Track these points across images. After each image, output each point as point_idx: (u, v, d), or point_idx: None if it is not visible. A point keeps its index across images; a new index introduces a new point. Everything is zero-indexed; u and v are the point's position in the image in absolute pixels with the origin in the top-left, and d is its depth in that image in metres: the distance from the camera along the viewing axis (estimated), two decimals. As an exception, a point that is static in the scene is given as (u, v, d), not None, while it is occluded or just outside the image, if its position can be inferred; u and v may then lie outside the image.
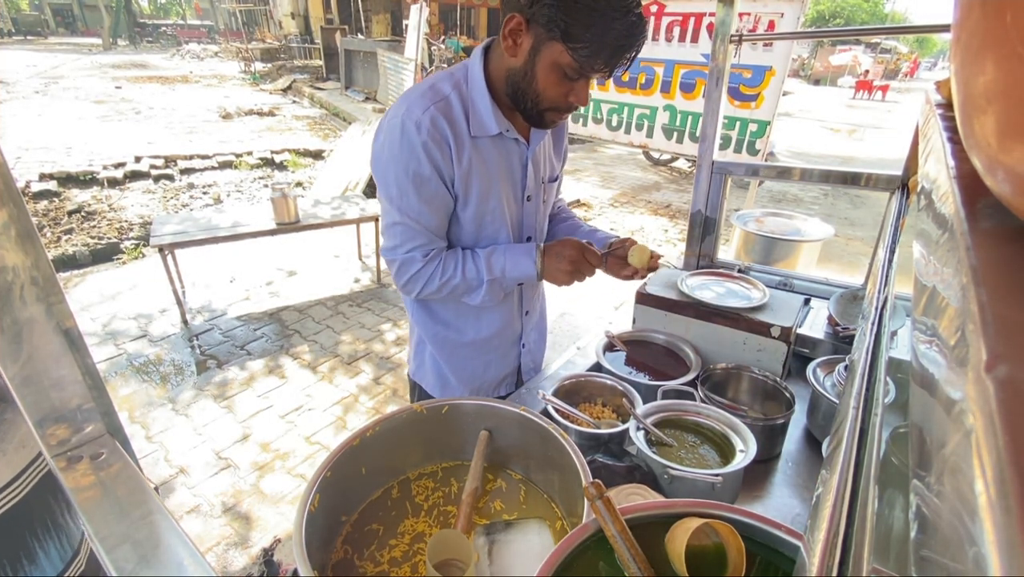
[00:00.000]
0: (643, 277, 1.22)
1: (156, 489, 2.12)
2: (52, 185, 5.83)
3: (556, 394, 1.21)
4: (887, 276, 0.83)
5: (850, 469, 0.45)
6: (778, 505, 1.06)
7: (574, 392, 1.26)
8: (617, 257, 1.20)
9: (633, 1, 0.89)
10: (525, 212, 1.20)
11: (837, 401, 1.14)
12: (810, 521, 0.48)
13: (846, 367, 1.22)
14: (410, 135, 0.99)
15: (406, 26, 9.28)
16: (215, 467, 2.48)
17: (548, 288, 1.42)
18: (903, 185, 1.45)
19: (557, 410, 1.14)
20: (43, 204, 5.46)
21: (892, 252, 0.92)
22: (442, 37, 13.96)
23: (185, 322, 3.66)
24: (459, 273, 1.12)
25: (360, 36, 14.23)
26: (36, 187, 5.70)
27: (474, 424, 1.03)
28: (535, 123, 1.06)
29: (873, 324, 0.68)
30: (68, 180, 6.14)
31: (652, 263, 1.17)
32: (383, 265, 4.40)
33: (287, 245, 4.85)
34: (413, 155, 1.00)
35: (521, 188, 1.16)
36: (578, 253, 1.13)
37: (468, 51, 14.09)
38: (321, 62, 15.05)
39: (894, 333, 0.87)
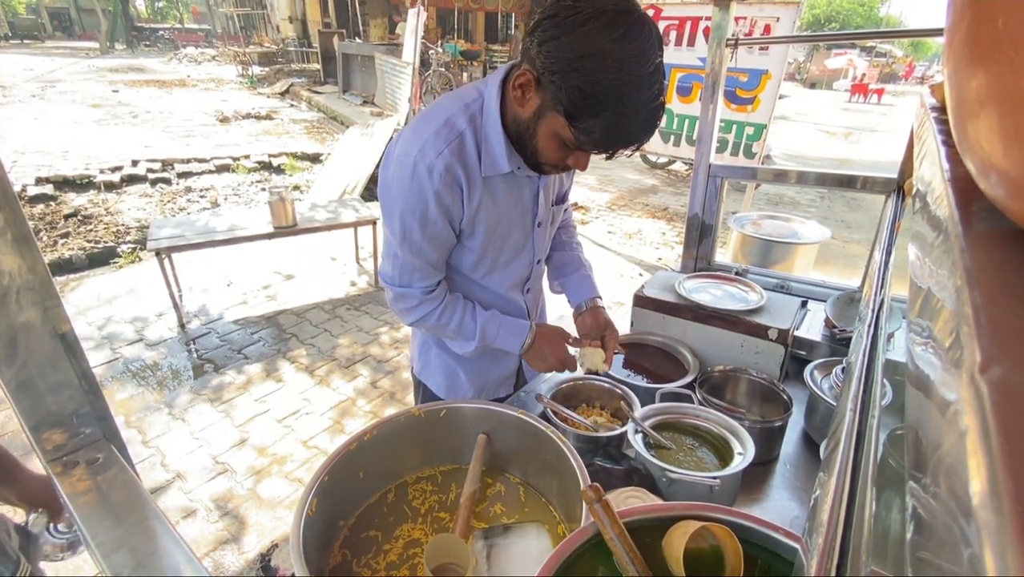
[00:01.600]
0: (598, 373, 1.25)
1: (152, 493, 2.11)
2: (49, 189, 5.81)
3: (554, 397, 1.21)
4: (883, 278, 0.83)
5: (848, 471, 0.46)
6: (776, 507, 1.06)
7: (572, 395, 1.26)
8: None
9: (650, 96, 0.82)
10: (535, 237, 1.19)
11: (835, 403, 1.14)
12: (808, 523, 0.48)
13: (843, 369, 1.22)
14: (421, 179, 0.96)
15: (402, 29, 9.32)
16: (212, 472, 2.47)
17: (546, 290, 1.42)
18: (899, 188, 1.46)
19: (555, 413, 1.14)
20: (39, 208, 5.44)
21: (888, 255, 0.92)
22: (440, 41, 13.99)
23: (182, 326, 3.65)
24: (455, 323, 1.14)
25: (358, 40, 14.25)
26: (32, 191, 5.68)
27: (472, 428, 1.03)
28: (534, 170, 1.04)
29: (870, 326, 0.68)
30: (65, 184, 6.12)
31: (605, 367, 1.21)
32: (381, 268, 4.40)
33: (284, 249, 4.84)
34: (421, 198, 0.98)
35: (532, 217, 1.15)
36: (561, 359, 1.19)
37: (466, 55, 14.13)
38: (319, 66, 15.07)
39: (891, 335, 0.88)
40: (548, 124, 0.90)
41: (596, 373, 1.22)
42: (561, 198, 1.24)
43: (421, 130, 0.98)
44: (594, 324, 1.26)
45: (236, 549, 2.10)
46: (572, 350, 1.22)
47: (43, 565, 1.00)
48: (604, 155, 0.91)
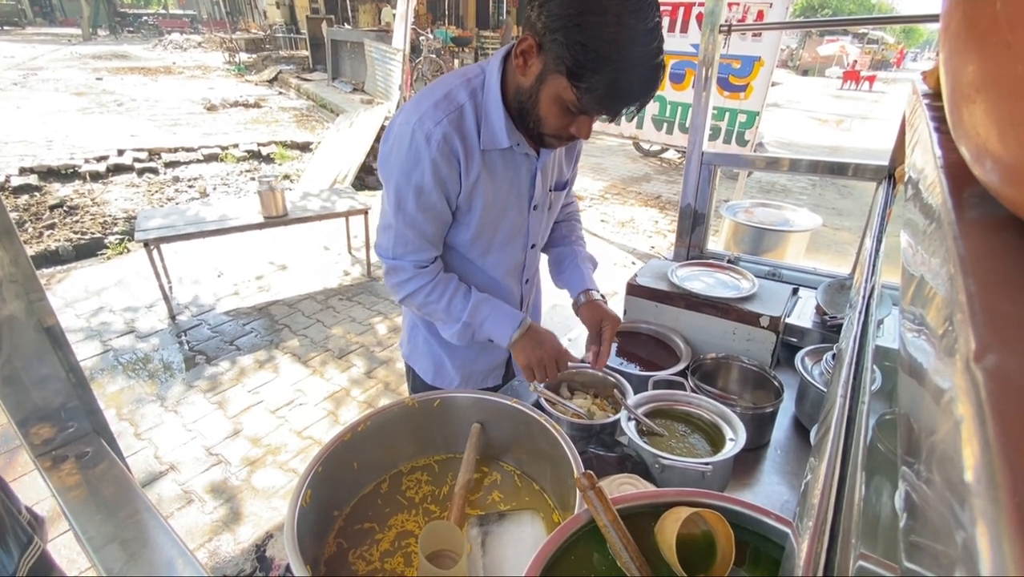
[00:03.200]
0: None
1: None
2: (33, 179, 5.70)
3: (548, 386, 1.22)
4: (874, 265, 0.84)
5: (838, 456, 0.46)
6: (767, 492, 1.08)
7: (566, 383, 1.27)
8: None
9: (650, 52, 0.83)
10: (531, 220, 1.18)
11: (825, 389, 1.16)
12: (799, 508, 0.48)
13: (834, 356, 1.24)
14: (418, 146, 0.97)
15: (393, 15, 9.17)
16: (206, 463, 2.46)
17: (543, 280, 1.41)
18: (890, 175, 1.47)
19: (549, 402, 1.14)
20: (24, 199, 5.34)
21: (879, 242, 0.93)
22: (430, 27, 13.79)
23: (172, 318, 3.61)
24: (444, 301, 1.11)
25: (347, 26, 14.02)
26: (16, 181, 5.56)
27: (466, 417, 1.03)
28: (536, 143, 1.04)
29: (860, 313, 0.69)
30: (49, 174, 6.00)
31: (598, 365, 1.19)
32: (374, 258, 4.37)
33: (275, 239, 4.80)
34: (418, 166, 0.98)
35: (528, 199, 1.14)
36: (552, 360, 1.12)
37: (457, 41, 13.94)
38: (307, 52, 14.82)
39: (880, 321, 0.88)
40: (550, 88, 0.90)
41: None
42: (560, 185, 1.23)
43: (422, 102, 0.99)
44: (590, 317, 1.24)
45: (231, 540, 2.10)
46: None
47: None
48: (607, 117, 0.91)
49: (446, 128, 0.96)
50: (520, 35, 0.92)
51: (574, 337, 1.57)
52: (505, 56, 0.99)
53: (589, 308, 1.25)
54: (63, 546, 2.00)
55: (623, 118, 0.95)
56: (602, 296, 1.28)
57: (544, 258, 1.38)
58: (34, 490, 2.18)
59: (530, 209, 1.16)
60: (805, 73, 29.61)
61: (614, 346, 1.42)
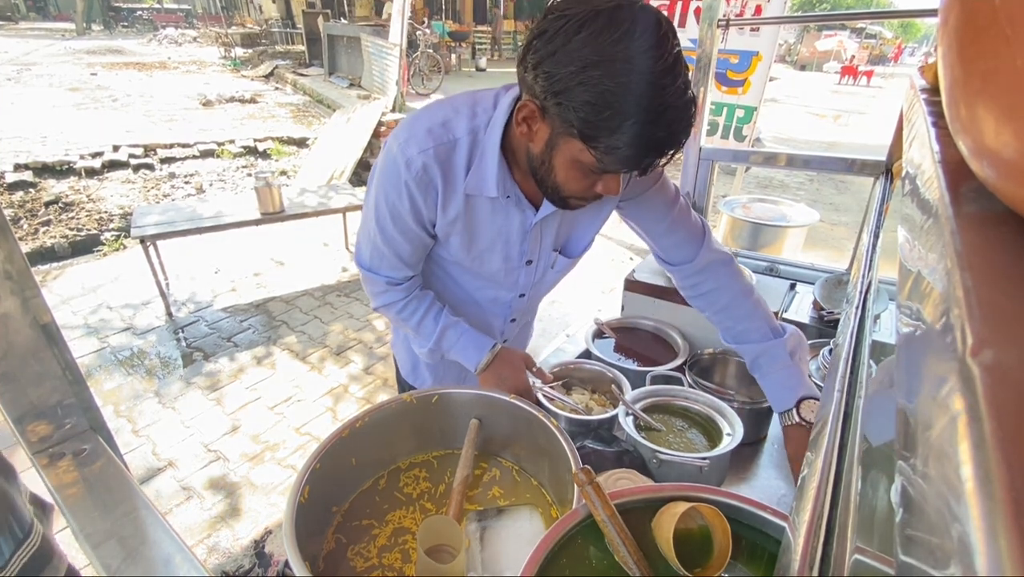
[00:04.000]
0: None
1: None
2: (27, 175, 5.67)
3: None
4: (871, 261, 0.84)
5: (834, 451, 0.46)
6: (764, 487, 1.08)
7: (563, 379, 1.27)
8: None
9: (675, 92, 0.70)
10: (523, 273, 1.08)
11: (822, 384, 1.16)
12: (795, 502, 0.49)
13: (830, 351, 1.24)
14: (398, 168, 0.90)
15: (388, 15, 9.12)
16: (204, 460, 2.46)
17: (544, 314, 1.41)
18: (887, 170, 1.47)
19: (547, 397, 1.14)
20: (18, 195, 5.31)
21: (876, 237, 0.93)
22: (427, 21, 13.72)
23: (170, 314, 3.60)
24: (415, 320, 1.08)
25: (343, 20, 13.94)
26: (11, 177, 5.53)
27: (464, 413, 1.04)
28: (559, 205, 0.92)
29: (857, 308, 0.69)
30: (44, 170, 5.97)
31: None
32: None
33: (273, 235, 4.78)
34: (395, 188, 0.93)
35: (518, 253, 1.04)
36: (519, 388, 1.05)
37: (454, 36, 13.88)
38: (303, 47, 14.73)
39: (877, 317, 0.89)
40: (564, 153, 0.79)
41: None
42: (571, 250, 1.10)
43: (419, 121, 0.92)
44: (795, 449, 0.99)
45: (230, 535, 2.10)
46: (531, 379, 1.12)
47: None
48: (637, 172, 0.78)
49: (428, 159, 0.89)
50: (518, 104, 0.81)
51: (572, 333, 1.57)
52: (516, 98, 0.89)
53: (799, 435, 0.99)
54: (61, 543, 2.00)
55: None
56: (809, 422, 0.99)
57: (553, 305, 1.29)
58: (32, 487, 2.17)
59: (522, 263, 1.06)
60: (803, 68, 29.57)
61: (611, 342, 1.42)
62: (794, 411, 1.01)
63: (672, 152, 0.76)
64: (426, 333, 1.09)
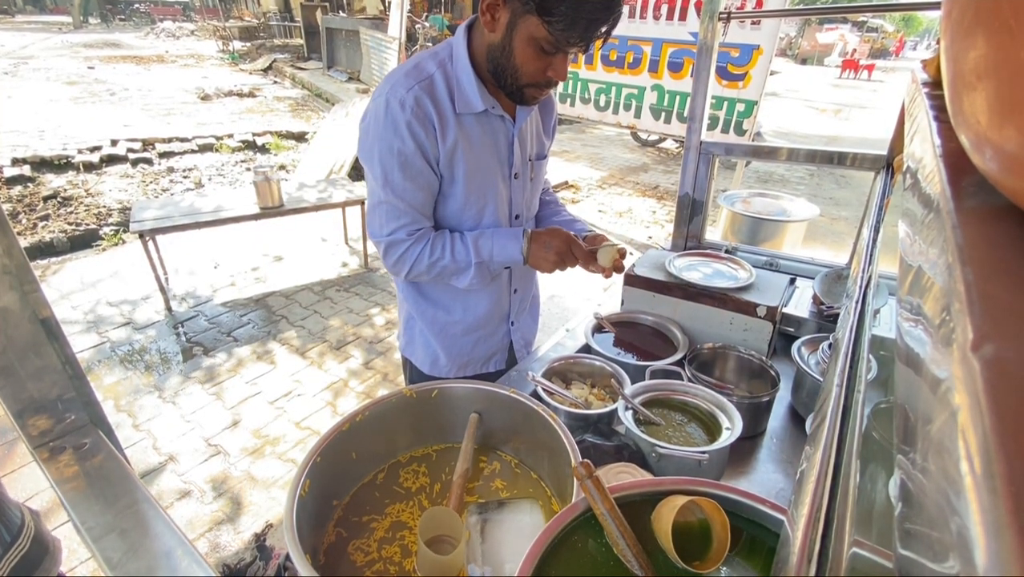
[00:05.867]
0: (608, 276, 1.20)
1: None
2: (26, 170, 5.65)
3: (546, 375, 1.22)
4: (871, 255, 0.84)
5: (833, 445, 0.46)
6: (763, 480, 1.09)
7: (563, 373, 1.27)
8: (590, 252, 1.19)
9: None
10: (513, 190, 1.20)
11: (821, 379, 1.16)
12: (794, 496, 0.49)
13: (830, 345, 1.24)
14: (394, 113, 1.00)
15: (388, 4, 9.05)
16: (204, 454, 2.47)
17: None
18: (888, 165, 1.46)
19: (546, 391, 1.15)
20: (17, 190, 5.30)
21: (876, 231, 0.93)
22: (425, 14, 13.63)
23: (169, 309, 3.60)
24: (448, 254, 1.13)
25: (342, 14, 13.84)
26: (9, 172, 5.52)
27: (464, 407, 1.04)
28: (517, 99, 1.06)
29: (857, 303, 0.69)
30: (42, 165, 5.95)
31: (618, 264, 1.15)
32: (371, 249, 4.35)
33: (272, 230, 4.78)
34: (397, 133, 1.01)
35: (508, 166, 1.16)
36: (565, 245, 1.13)
37: (452, 29, 13.78)
38: (302, 41, 14.65)
39: (877, 311, 0.89)
40: (523, 32, 0.93)
41: (610, 271, 1.16)
42: (540, 155, 1.25)
43: (393, 75, 1.04)
44: (592, 238, 1.23)
45: (231, 529, 2.11)
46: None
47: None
48: (581, 48, 0.94)
49: (418, 93, 1.00)
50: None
51: (572, 327, 1.57)
52: (468, 27, 1.04)
53: (592, 239, 1.24)
54: (62, 536, 2.01)
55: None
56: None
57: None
58: (33, 481, 2.18)
59: (511, 177, 1.17)
60: (804, 62, 29.42)
61: (611, 336, 1.42)
62: (581, 234, 1.24)
63: (607, 29, 0.93)
64: (462, 256, 1.14)
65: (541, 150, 1.26)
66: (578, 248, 1.15)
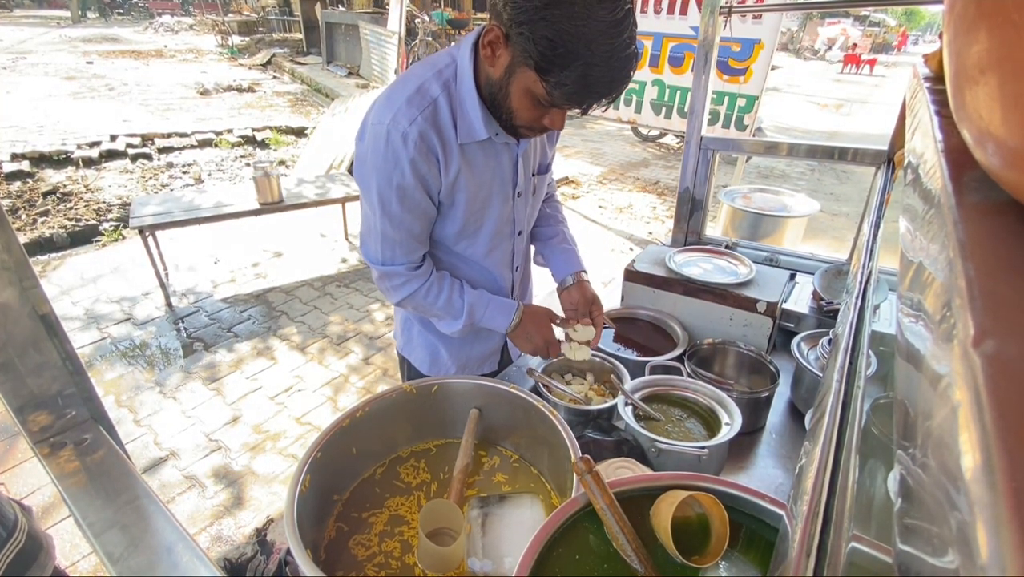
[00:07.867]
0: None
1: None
2: (25, 165, 5.64)
3: (545, 371, 1.22)
4: (871, 251, 0.83)
5: (832, 440, 0.46)
6: (762, 475, 1.09)
7: (563, 369, 1.27)
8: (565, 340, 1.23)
9: (620, 44, 0.80)
10: (516, 208, 1.17)
11: (820, 374, 1.16)
12: (793, 490, 0.49)
13: (830, 341, 1.24)
14: (396, 147, 0.94)
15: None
16: (205, 449, 2.48)
17: (535, 268, 1.41)
18: (889, 160, 1.46)
19: (546, 387, 1.15)
20: (16, 185, 5.28)
21: (877, 227, 0.93)
22: (426, 9, 13.55)
23: (169, 305, 3.60)
24: (442, 302, 1.12)
25: (341, 8, 13.77)
26: (8, 168, 5.50)
27: (464, 403, 1.04)
28: (512, 134, 1.01)
29: (857, 298, 0.69)
30: (41, 160, 5.93)
31: (591, 346, 1.19)
32: (370, 245, 4.34)
33: (272, 225, 4.77)
34: (398, 167, 0.96)
35: (512, 186, 1.13)
36: (544, 345, 1.18)
37: (453, 24, 13.72)
38: (301, 36, 14.58)
39: (877, 307, 0.89)
40: (520, 81, 0.88)
41: (580, 360, 1.19)
42: (543, 168, 1.21)
43: (394, 98, 0.95)
44: (581, 298, 1.25)
45: (232, 524, 2.12)
46: (558, 332, 1.21)
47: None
48: (578, 110, 0.90)
49: (422, 126, 0.93)
50: (486, 27, 0.89)
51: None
52: (475, 42, 0.95)
53: (580, 289, 1.25)
54: (64, 532, 2.02)
55: (621, 101, 0.95)
56: (588, 279, 1.29)
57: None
58: (34, 477, 2.19)
59: (514, 197, 1.15)
60: (808, 56, 29.26)
61: (611, 332, 1.42)
62: (570, 277, 1.27)
63: (611, 98, 0.87)
64: (455, 312, 1.14)
65: (544, 161, 1.22)
66: (554, 348, 1.19)
